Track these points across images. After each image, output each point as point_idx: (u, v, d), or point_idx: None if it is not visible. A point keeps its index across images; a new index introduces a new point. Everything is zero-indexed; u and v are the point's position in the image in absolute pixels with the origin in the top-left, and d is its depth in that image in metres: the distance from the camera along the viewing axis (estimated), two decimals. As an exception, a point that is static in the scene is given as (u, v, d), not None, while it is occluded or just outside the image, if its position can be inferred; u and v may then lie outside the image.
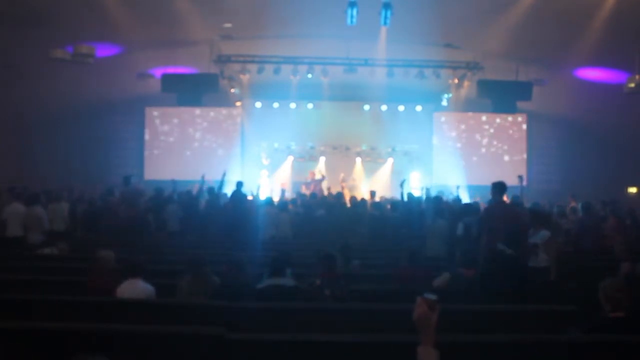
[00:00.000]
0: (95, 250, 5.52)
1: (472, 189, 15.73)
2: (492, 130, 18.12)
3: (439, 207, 8.78)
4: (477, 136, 18.17)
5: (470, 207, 8.70)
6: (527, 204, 10.17)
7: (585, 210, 8.93)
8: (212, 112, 17.89)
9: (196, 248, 7.72)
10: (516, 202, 8.90)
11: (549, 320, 4.45)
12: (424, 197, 10.89)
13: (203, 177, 10.68)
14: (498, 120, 18.03)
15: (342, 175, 16.50)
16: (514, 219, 6.46)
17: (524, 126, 18.15)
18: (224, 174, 10.46)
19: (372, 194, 13.74)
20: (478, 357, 3.61)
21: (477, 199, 12.08)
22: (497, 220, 6.36)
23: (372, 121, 17.95)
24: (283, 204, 11.04)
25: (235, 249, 7.32)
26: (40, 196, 9.16)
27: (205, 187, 10.81)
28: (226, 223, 9.51)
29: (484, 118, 18.07)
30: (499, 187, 6.60)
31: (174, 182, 11.47)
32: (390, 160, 18.30)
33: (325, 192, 14.83)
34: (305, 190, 15.29)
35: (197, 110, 17.58)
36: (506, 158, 17.98)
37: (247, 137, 18.21)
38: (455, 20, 11.90)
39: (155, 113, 18.03)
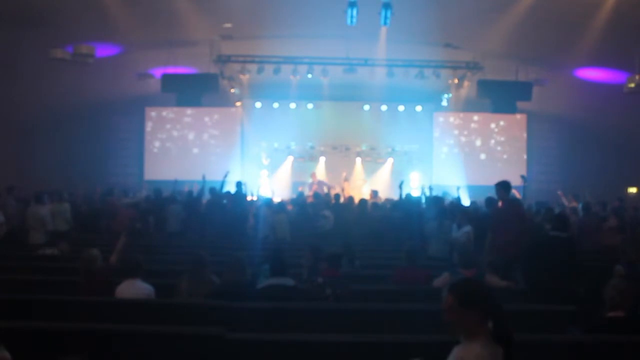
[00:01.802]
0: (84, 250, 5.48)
1: (472, 189, 15.74)
2: (492, 130, 18.12)
3: (443, 208, 8.77)
4: (477, 136, 18.16)
5: (465, 208, 8.70)
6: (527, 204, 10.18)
7: (586, 211, 8.93)
8: (212, 112, 17.89)
9: (196, 248, 7.72)
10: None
11: (549, 320, 4.45)
12: (424, 197, 10.89)
13: (204, 177, 10.68)
14: (498, 120, 18.03)
15: (344, 174, 16.48)
16: (518, 217, 6.53)
17: (524, 126, 18.14)
18: (226, 174, 10.45)
19: (374, 193, 13.73)
20: (478, 357, 3.60)
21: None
22: (502, 219, 6.41)
23: (372, 121, 17.96)
24: (281, 204, 11.03)
25: (234, 248, 7.32)
26: (45, 196, 9.18)
27: (206, 187, 10.81)
28: (225, 223, 9.51)
29: (484, 118, 18.07)
30: (504, 186, 6.68)
31: (175, 182, 11.47)
32: (390, 160, 18.28)
33: (329, 192, 14.80)
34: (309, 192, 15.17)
35: (197, 110, 17.58)
36: (506, 158, 17.97)
37: (247, 137, 18.20)
38: (455, 20, 11.90)
39: (155, 113, 18.04)
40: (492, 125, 18.13)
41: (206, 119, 17.99)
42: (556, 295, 5.16)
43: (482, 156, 18.01)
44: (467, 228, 7.44)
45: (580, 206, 9.07)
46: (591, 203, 9.72)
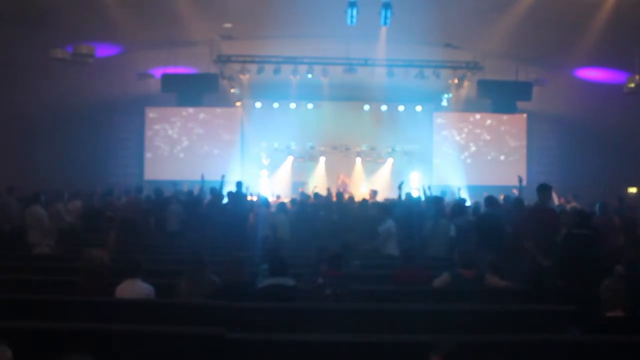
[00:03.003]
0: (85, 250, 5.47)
1: (472, 189, 15.74)
2: (492, 130, 18.13)
3: (441, 207, 8.75)
4: (477, 136, 18.18)
5: (462, 208, 8.67)
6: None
7: (603, 210, 8.79)
8: (212, 112, 17.90)
9: (196, 248, 7.72)
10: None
11: (549, 320, 4.45)
12: (424, 196, 10.88)
13: (203, 176, 10.68)
14: (498, 120, 18.03)
15: (341, 176, 16.49)
16: (553, 220, 6.50)
17: (524, 126, 18.15)
18: (223, 177, 10.46)
19: (374, 193, 13.71)
20: (478, 357, 3.61)
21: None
22: (540, 222, 6.40)
23: (372, 121, 17.97)
24: (281, 204, 11.02)
25: (234, 248, 7.32)
26: (42, 196, 9.17)
27: (206, 187, 10.81)
28: (225, 223, 9.51)
29: (484, 118, 18.07)
30: (547, 189, 6.65)
31: (174, 183, 11.46)
32: (390, 160, 18.29)
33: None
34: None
35: (197, 110, 17.58)
36: (506, 158, 17.98)
37: (247, 137, 18.21)
38: (455, 20, 11.90)
39: (156, 113, 18.05)
40: (492, 125, 18.13)
41: (206, 119, 17.99)
42: (556, 295, 5.18)
43: (482, 156, 18.01)
44: (388, 223, 7.79)
45: (597, 206, 8.96)
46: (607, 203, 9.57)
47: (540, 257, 6.08)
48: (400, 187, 10.39)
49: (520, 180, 9.44)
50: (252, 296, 4.66)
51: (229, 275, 4.96)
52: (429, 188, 10.78)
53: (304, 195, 13.82)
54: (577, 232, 5.84)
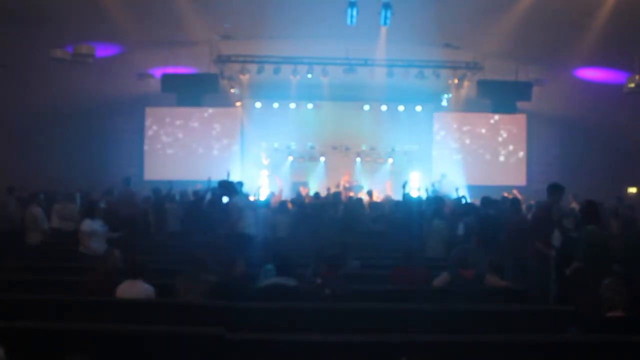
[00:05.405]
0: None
1: (472, 189, 15.73)
2: (492, 131, 18.12)
3: (438, 207, 8.76)
4: (477, 136, 18.14)
5: (470, 208, 8.68)
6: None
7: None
8: (212, 112, 17.89)
9: (196, 247, 7.70)
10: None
11: (549, 320, 4.45)
12: (426, 197, 10.89)
13: (209, 179, 10.66)
14: (498, 120, 18.02)
15: (342, 183, 16.41)
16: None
17: (524, 126, 18.13)
18: (228, 174, 10.45)
19: (369, 193, 13.72)
20: (478, 357, 3.61)
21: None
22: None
23: (372, 121, 17.94)
24: (282, 204, 11.02)
25: (231, 247, 7.33)
26: (41, 196, 9.18)
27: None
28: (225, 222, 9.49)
29: (483, 118, 18.06)
30: (559, 189, 6.66)
31: (169, 182, 11.45)
32: (390, 160, 18.29)
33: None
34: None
35: (197, 110, 17.57)
36: (506, 158, 17.95)
37: (247, 137, 18.19)
38: (455, 20, 11.91)
39: (155, 113, 18.02)
40: (492, 126, 18.10)
41: (206, 119, 17.97)
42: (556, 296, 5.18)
43: (482, 156, 17.99)
44: (236, 199, 8.51)
45: None
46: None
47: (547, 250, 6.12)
48: (404, 187, 10.40)
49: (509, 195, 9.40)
50: (250, 295, 4.67)
51: (224, 274, 4.98)
52: (433, 186, 10.79)
53: (300, 196, 13.85)
54: (575, 236, 5.83)
